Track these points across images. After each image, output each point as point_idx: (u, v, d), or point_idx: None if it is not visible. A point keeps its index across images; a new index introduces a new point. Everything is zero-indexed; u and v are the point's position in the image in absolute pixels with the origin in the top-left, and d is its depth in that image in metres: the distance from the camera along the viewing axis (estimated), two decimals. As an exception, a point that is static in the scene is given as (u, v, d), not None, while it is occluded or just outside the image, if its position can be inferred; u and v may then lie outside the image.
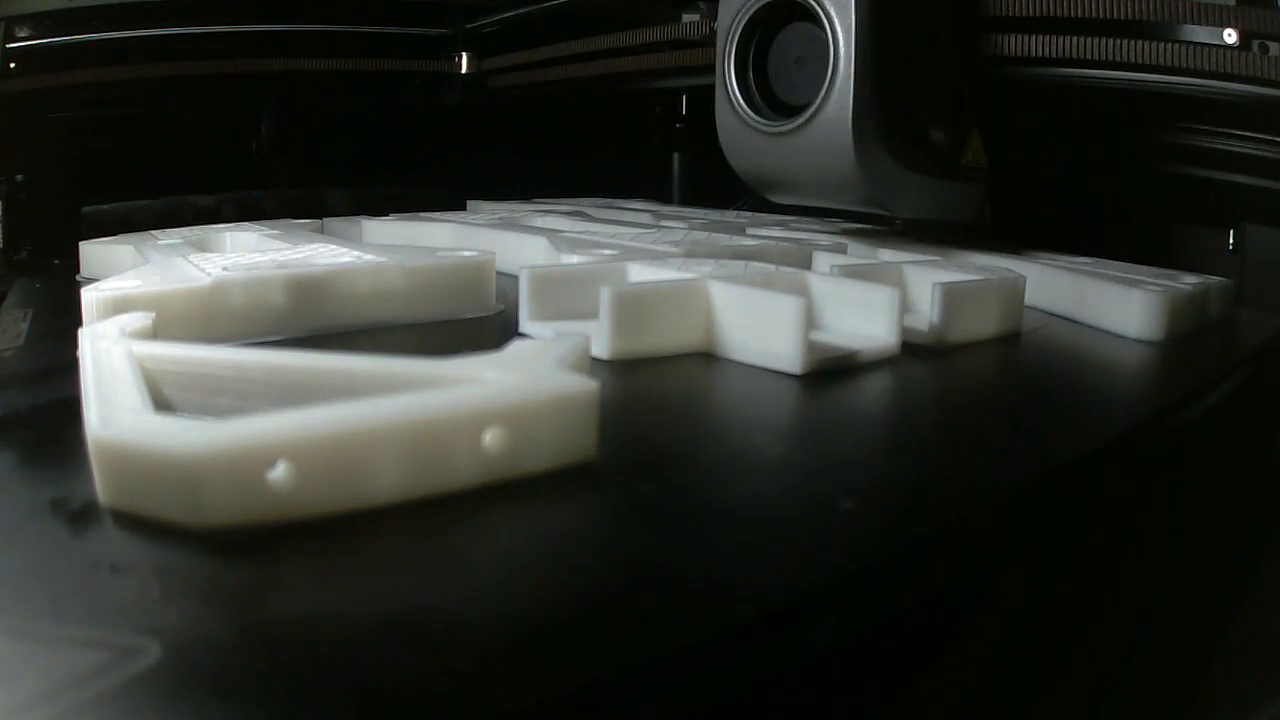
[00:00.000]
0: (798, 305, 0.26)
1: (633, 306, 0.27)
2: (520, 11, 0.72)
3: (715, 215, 0.55)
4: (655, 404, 0.25)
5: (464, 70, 0.78)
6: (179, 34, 0.75)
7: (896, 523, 0.18)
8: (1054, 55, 0.44)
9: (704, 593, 0.15)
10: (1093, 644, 0.25)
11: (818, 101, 0.41)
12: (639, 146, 0.89)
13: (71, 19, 0.72)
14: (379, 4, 0.79)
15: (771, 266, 0.33)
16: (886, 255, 0.41)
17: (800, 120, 0.42)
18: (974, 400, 0.28)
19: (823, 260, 0.39)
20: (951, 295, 0.31)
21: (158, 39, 0.74)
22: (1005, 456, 0.22)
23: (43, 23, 0.72)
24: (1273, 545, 0.36)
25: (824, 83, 0.41)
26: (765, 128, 0.44)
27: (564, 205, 0.56)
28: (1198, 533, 0.31)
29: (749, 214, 0.57)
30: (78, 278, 0.45)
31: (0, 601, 0.15)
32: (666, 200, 0.86)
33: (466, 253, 0.34)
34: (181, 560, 0.16)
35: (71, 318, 0.31)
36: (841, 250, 0.42)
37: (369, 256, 0.33)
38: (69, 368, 0.28)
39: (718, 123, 0.46)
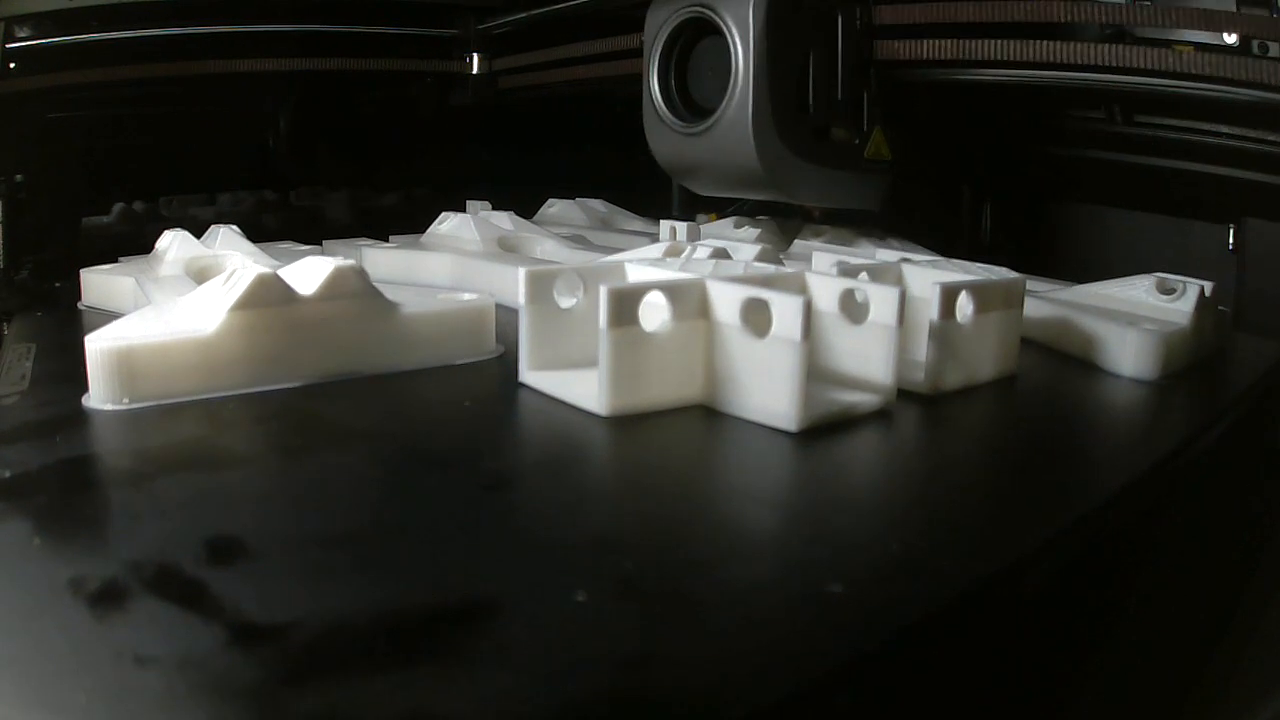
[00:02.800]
0: (795, 361, 0.26)
1: (630, 361, 0.28)
2: (535, 13, 0.72)
3: (716, 230, 0.56)
4: (649, 469, 0.26)
5: (475, 71, 0.79)
6: (178, 34, 0.75)
7: (884, 610, 0.18)
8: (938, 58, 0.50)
9: (696, 694, 0.16)
10: (1095, 652, 0.25)
11: (723, 105, 0.49)
12: (638, 145, 0.90)
13: (72, 19, 0.72)
14: (393, 4, 0.79)
15: (771, 267, 0.33)
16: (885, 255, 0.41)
17: (709, 122, 0.50)
18: (970, 460, 0.28)
19: (822, 259, 0.39)
20: (946, 339, 0.31)
21: (158, 39, 0.74)
22: (1001, 527, 0.23)
23: (43, 23, 0.72)
24: (1272, 544, 0.36)
25: (728, 88, 0.48)
26: (681, 128, 0.52)
27: (564, 226, 0.57)
28: (1197, 547, 0.32)
29: (743, 221, 0.57)
30: (79, 305, 0.46)
31: (29, 695, 0.16)
32: (665, 199, 0.86)
33: (466, 296, 0.34)
34: (202, 651, 0.17)
35: (75, 356, 0.31)
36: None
37: (370, 300, 0.33)
38: (76, 418, 0.29)
39: (644, 124, 0.54)
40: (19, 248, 0.62)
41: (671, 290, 0.28)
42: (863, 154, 0.53)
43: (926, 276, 0.33)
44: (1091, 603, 0.26)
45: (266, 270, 0.31)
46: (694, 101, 0.53)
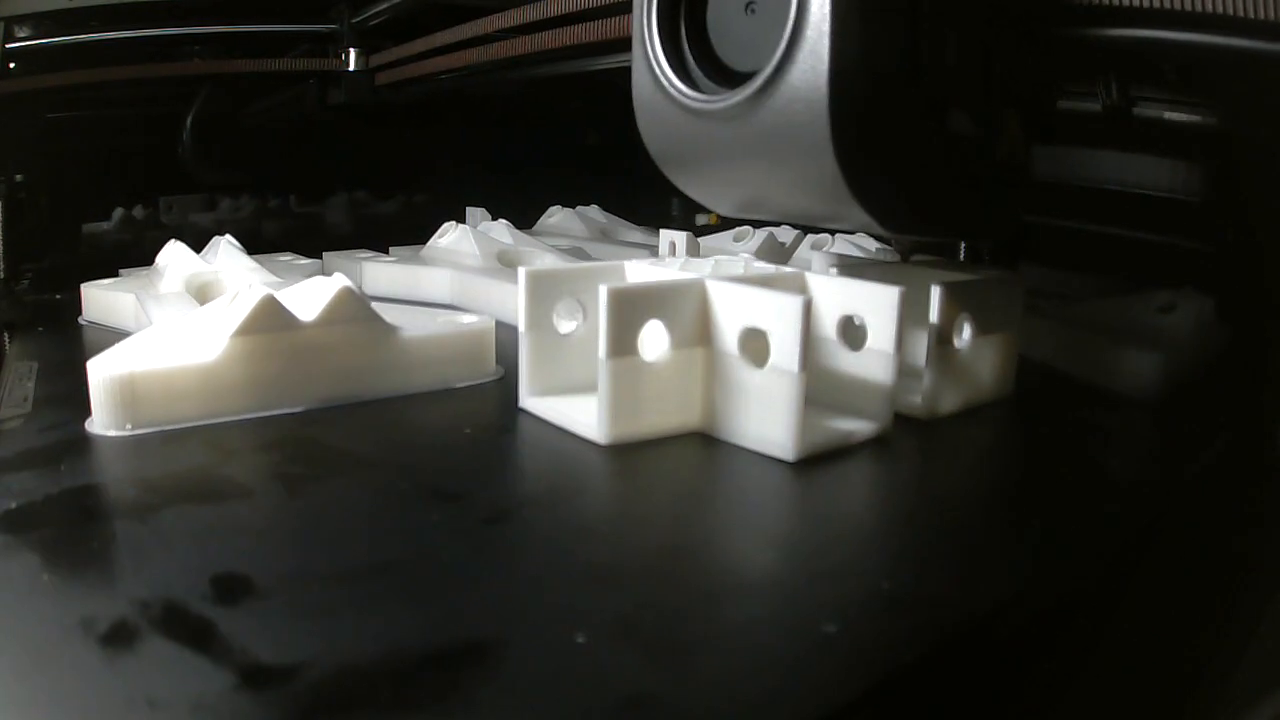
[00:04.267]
0: (793, 392, 0.27)
1: (630, 391, 0.28)
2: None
3: (716, 243, 0.56)
4: (648, 502, 0.26)
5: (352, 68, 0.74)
6: (179, 34, 0.75)
7: (876, 651, 0.19)
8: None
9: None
10: (1093, 663, 0.26)
11: (775, 62, 0.26)
12: (640, 150, 0.90)
13: (72, 19, 0.72)
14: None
15: (771, 267, 0.33)
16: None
17: (747, 92, 0.27)
18: (966, 491, 0.28)
19: (819, 260, 0.39)
20: (942, 361, 0.32)
21: (159, 39, 0.74)
22: (998, 561, 0.23)
23: (43, 23, 0.72)
24: (1272, 545, 0.37)
25: (783, 34, 0.26)
26: (699, 104, 0.29)
27: (562, 237, 0.57)
28: (1197, 550, 0.32)
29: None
30: (80, 320, 0.46)
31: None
32: (665, 205, 0.86)
33: (466, 319, 0.35)
34: (213, 693, 0.17)
35: (78, 376, 0.31)
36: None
37: (371, 324, 0.33)
38: (79, 444, 0.29)
39: (635, 102, 0.32)
40: (19, 256, 0.62)
41: (670, 316, 0.28)
42: (992, 154, 0.32)
43: (925, 277, 0.33)
44: (1089, 619, 0.26)
45: (269, 294, 0.31)
46: (725, 65, 0.30)
